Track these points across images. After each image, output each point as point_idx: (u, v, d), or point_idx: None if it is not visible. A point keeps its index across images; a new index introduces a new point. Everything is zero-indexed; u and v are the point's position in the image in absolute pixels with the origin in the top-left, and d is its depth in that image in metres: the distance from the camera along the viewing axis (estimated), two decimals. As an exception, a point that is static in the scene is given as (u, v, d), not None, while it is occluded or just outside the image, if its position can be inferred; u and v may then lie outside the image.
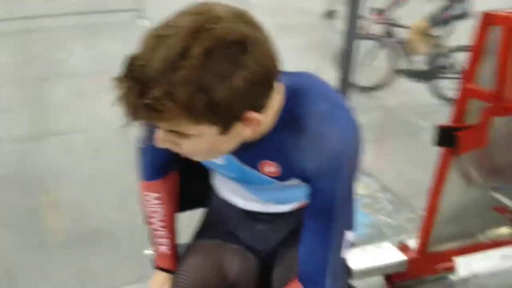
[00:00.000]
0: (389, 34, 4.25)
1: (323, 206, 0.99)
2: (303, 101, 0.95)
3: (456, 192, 1.82)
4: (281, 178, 1.04)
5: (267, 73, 0.82)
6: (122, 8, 5.72)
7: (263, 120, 0.89)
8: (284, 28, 5.61)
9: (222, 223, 1.32)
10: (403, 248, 1.96)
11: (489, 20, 1.43)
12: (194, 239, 1.36)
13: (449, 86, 3.94)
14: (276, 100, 0.93)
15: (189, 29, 0.76)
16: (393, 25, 4.25)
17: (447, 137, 1.46)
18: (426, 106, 4.04)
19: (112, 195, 2.49)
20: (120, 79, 0.79)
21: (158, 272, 1.32)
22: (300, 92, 0.96)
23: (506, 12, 1.39)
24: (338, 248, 1.02)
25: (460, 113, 1.54)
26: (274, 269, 1.27)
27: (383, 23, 4.22)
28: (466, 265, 2.04)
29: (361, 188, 2.68)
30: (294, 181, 1.04)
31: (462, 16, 3.89)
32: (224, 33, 0.77)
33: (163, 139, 0.90)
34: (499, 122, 1.65)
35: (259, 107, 0.85)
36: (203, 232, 1.35)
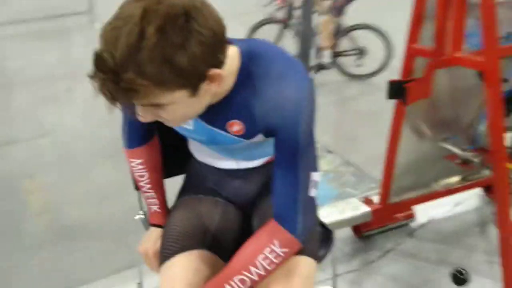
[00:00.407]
0: (289, 17, 4.54)
1: (288, 153, 1.11)
2: (260, 62, 1.08)
3: (410, 145, 2.03)
4: (246, 136, 1.16)
5: (215, 32, 0.94)
6: (74, 12, 5.73)
7: (224, 75, 1.01)
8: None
9: (202, 182, 1.44)
10: (368, 201, 2.16)
11: (425, -15, 1.63)
12: (177, 197, 1.49)
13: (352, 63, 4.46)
14: (234, 61, 1.06)
15: (138, 14, 0.88)
16: (294, 8, 4.52)
17: (397, 90, 1.65)
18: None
19: (83, 194, 2.57)
20: (94, 74, 0.92)
21: (153, 228, 1.44)
22: (256, 54, 1.09)
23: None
24: (306, 187, 1.14)
25: (407, 70, 1.74)
26: (253, 218, 1.41)
27: (285, 6, 4.53)
28: (423, 212, 2.28)
29: (325, 164, 2.84)
30: (259, 138, 1.16)
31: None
32: (169, 9, 0.89)
33: (144, 115, 1.02)
34: (441, 78, 1.86)
35: (218, 64, 0.98)
36: (185, 191, 1.47)
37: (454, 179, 2.24)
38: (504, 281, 1.64)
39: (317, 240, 1.33)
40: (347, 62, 4.53)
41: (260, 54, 1.10)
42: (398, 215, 2.21)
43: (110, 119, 3.45)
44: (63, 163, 2.78)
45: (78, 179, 2.64)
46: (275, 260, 1.14)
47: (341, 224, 2.06)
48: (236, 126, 1.15)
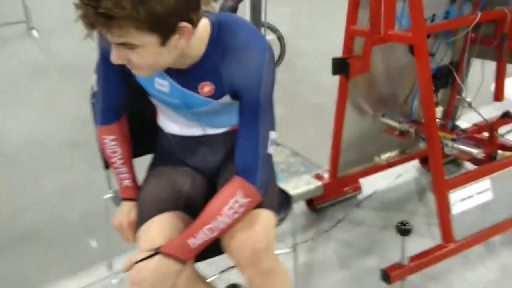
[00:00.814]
0: None
1: (250, 112, 1.26)
2: (228, 32, 1.23)
3: (353, 122, 2.22)
4: (215, 96, 1.30)
5: None
6: (11, 21, 5.62)
7: (195, 35, 1.15)
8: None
9: (170, 154, 1.55)
10: (319, 177, 2.33)
11: (359, -27, 1.83)
12: (148, 171, 1.59)
13: None
14: (205, 31, 1.21)
15: None
16: None
17: (341, 66, 1.84)
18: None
19: (35, 200, 2.56)
20: (78, 2, 1.04)
21: (124, 202, 1.53)
22: (225, 25, 1.24)
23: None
24: (266, 144, 1.29)
25: (347, 49, 1.93)
26: (217, 184, 1.54)
27: None
28: (369, 185, 2.48)
29: (276, 156, 2.99)
30: (226, 99, 1.31)
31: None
32: None
33: (116, 55, 1.14)
34: (378, 58, 2.07)
35: (189, 21, 1.11)
36: (155, 164, 1.58)
37: (394, 152, 2.46)
38: (442, 237, 1.85)
39: (275, 197, 1.47)
40: None
41: (228, 25, 1.25)
42: (346, 188, 2.40)
43: (53, 127, 3.47)
44: (11, 170, 2.76)
45: (28, 185, 2.64)
46: (239, 210, 1.27)
47: (295, 198, 2.22)
48: (207, 87, 1.29)
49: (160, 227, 1.36)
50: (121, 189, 1.55)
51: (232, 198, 1.28)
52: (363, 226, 2.29)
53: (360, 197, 2.47)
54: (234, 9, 4.13)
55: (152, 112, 1.57)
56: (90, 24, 1.06)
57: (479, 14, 1.98)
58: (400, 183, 2.57)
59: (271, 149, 1.32)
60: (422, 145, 2.51)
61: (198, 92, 1.31)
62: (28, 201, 2.53)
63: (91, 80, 3.69)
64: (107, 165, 1.69)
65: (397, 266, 1.72)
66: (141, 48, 1.10)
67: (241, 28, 1.25)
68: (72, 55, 4.30)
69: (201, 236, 1.27)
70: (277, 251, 1.40)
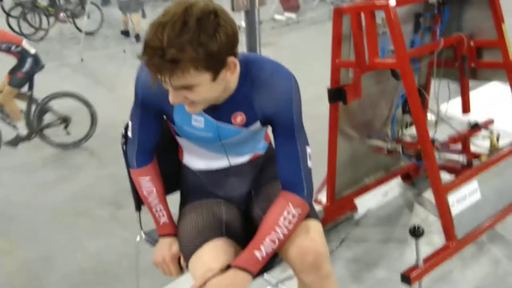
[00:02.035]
0: None
1: (287, 133, 1.41)
2: (255, 65, 1.40)
3: (343, 146, 2.41)
4: (247, 124, 1.45)
5: (234, 29, 1.25)
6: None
7: (235, 71, 1.29)
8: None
9: (200, 188, 1.66)
10: (317, 202, 2.48)
11: (339, 12, 2.07)
12: (180, 208, 1.68)
13: (58, 132, 4.00)
14: (237, 66, 1.35)
15: (182, 10, 1.18)
16: None
17: (336, 94, 2.05)
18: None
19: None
20: (145, 52, 1.19)
21: (163, 239, 1.60)
22: (250, 60, 1.41)
23: (351, 4, 2.04)
24: (305, 159, 1.44)
25: (334, 80, 2.15)
26: (253, 209, 1.65)
27: None
28: (361, 204, 2.65)
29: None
30: (257, 126, 1.46)
31: (36, 68, 3.87)
32: (204, 7, 1.19)
33: (174, 97, 1.28)
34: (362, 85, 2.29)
35: (234, 54, 1.27)
36: (187, 200, 1.67)
37: (380, 172, 2.67)
38: (445, 237, 2.04)
39: (314, 208, 1.60)
40: (57, 131, 4.09)
41: (254, 60, 1.43)
42: (344, 209, 2.57)
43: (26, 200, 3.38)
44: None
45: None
46: (292, 220, 1.40)
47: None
48: (239, 116, 1.44)
49: (212, 253, 1.45)
50: (159, 226, 1.62)
51: (285, 210, 1.40)
52: (365, 242, 2.45)
53: (357, 216, 2.64)
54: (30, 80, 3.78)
55: (175, 153, 1.69)
56: (157, 70, 1.19)
57: (442, 40, 2.27)
58: (389, 200, 2.77)
59: (310, 163, 1.46)
60: (403, 162, 2.74)
61: (231, 123, 1.44)
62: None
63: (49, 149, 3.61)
64: (139, 206, 1.77)
65: (414, 268, 1.87)
66: (197, 86, 1.24)
67: (265, 61, 1.43)
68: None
69: (265, 248, 1.37)
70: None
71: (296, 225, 1.42)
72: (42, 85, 5.34)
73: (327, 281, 1.44)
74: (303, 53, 6.02)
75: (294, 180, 1.43)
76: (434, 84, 2.61)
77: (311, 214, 1.49)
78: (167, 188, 1.73)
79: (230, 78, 1.31)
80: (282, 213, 1.40)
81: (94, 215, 2.92)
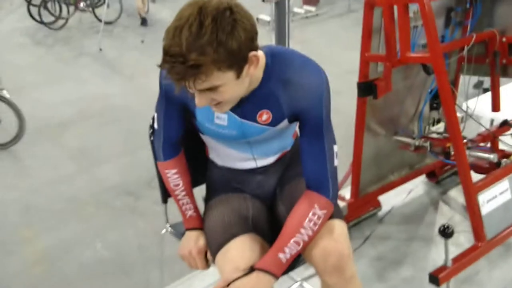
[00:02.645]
0: None
1: (315, 130, 1.36)
2: (281, 58, 1.34)
3: (369, 142, 2.37)
4: (273, 123, 1.39)
5: (252, 22, 1.20)
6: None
7: (258, 65, 1.23)
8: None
9: (226, 184, 1.62)
10: (341, 198, 2.44)
11: (371, 4, 2.01)
12: (206, 202, 1.66)
13: None
14: (260, 61, 1.30)
15: (196, 11, 1.12)
16: None
17: (366, 88, 2.00)
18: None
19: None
20: (165, 60, 1.14)
21: (189, 232, 1.58)
22: (277, 54, 1.35)
23: (383, -4, 1.99)
24: (332, 157, 1.39)
25: (363, 73, 2.10)
26: (277, 206, 1.62)
27: None
28: (385, 202, 2.61)
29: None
30: (284, 124, 1.40)
31: None
32: (218, 5, 1.14)
33: (200, 100, 1.23)
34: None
35: (255, 48, 1.22)
36: (213, 194, 1.63)
37: (404, 169, 2.62)
38: (475, 237, 1.99)
39: (339, 208, 1.56)
40: None
41: (280, 53, 1.36)
42: (368, 206, 2.52)
43: (37, 187, 3.42)
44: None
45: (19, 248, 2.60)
46: (318, 221, 1.36)
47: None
48: (265, 115, 1.38)
49: (239, 250, 1.42)
50: (186, 219, 1.60)
51: (310, 211, 1.36)
52: (390, 240, 2.41)
53: (380, 213, 2.60)
54: None
55: (201, 147, 1.66)
56: (181, 78, 1.15)
57: (475, 35, 2.20)
58: (413, 197, 2.72)
59: (336, 162, 1.41)
60: (428, 160, 2.68)
61: (256, 121, 1.39)
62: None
63: (69, 137, 3.67)
64: (165, 199, 1.75)
65: (443, 268, 1.83)
66: (222, 86, 1.20)
67: (293, 56, 1.36)
68: (47, 113, 4.31)
69: (289, 250, 1.34)
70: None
71: (321, 226, 1.38)
72: (63, 75, 5.39)
73: (350, 283, 1.41)
74: (322, 47, 5.95)
75: (320, 180, 1.39)
76: (464, 80, 2.54)
77: (335, 214, 1.45)
78: (193, 181, 1.71)
79: (254, 72, 1.26)
80: (308, 215, 1.36)
81: (113, 205, 2.91)
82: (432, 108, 2.51)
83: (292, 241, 1.35)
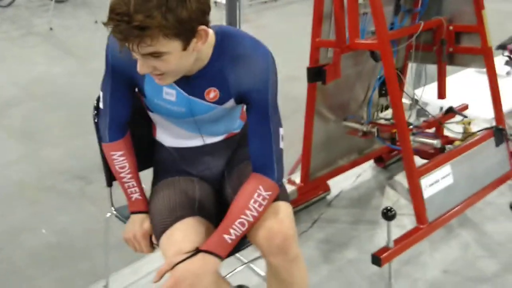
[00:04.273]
0: None
1: (261, 112, 1.37)
2: (232, 39, 1.35)
3: (319, 127, 2.40)
4: (220, 101, 1.40)
5: None
6: None
7: (208, 35, 1.23)
8: None
9: (173, 165, 1.61)
10: (291, 182, 2.47)
11: (322, -10, 2.03)
12: (153, 185, 1.64)
13: None
14: (210, 39, 1.30)
15: None
16: None
17: (316, 74, 2.02)
18: None
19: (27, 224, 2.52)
20: (111, 18, 1.12)
21: (134, 216, 1.56)
22: (228, 34, 1.36)
23: (334, -18, 2.00)
24: (277, 141, 1.40)
25: (313, 59, 2.12)
26: (225, 189, 1.62)
27: None
28: (334, 186, 2.66)
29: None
30: (231, 103, 1.40)
31: None
32: None
33: (142, 65, 1.22)
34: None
35: (206, 23, 1.22)
36: (160, 176, 1.62)
37: (353, 154, 2.67)
38: (417, 219, 2.05)
39: (286, 190, 1.58)
40: None
41: (231, 33, 1.37)
42: (317, 190, 2.56)
43: None
44: None
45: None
46: (263, 202, 1.38)
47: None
48: (212, 92, 1.38)
49: (184, 232, 1.42)
50: (131, 202, 1.58)
51: (255, 192, 1.38)
52: (337, 223, 2.46)
53: (329, 197, 2.65)
54: None
55: (147, 129, 1.63)
56: (124, 37, 1.14)
57: (422, 23, 2.26)
58: (361, 182, 2.78)
59: (282, 144, 1.43)
60: (376, 145, 2.75)
61: (204, 99, 1.40)
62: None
63: (16, 120, 3.55)
64: (110, 182, 1.72)
65: (385, 249, 1.89)
66: (166, 55, 1.19)
67: (243, 37, 1.37)
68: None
69: (234, 231, 1.35)
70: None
71: (266, 207, 1.40)
72: (9, 54, 5.18)
73: (294, 264, 1.43)
74: (280, 32, 5.96)
75: (266, 162, 1.40)
76: (411, 67, 2.60)
77: (281, 196, 1.47)
78: (140, 165, 1.68)
79: (201, 48, 1.25)
80: (253, 196, 1.37)
81: (61, 189, 2.84)
82: (380, 94, 2.56)
83: (237, 222, 1.36)
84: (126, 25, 1.11)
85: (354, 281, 2.10)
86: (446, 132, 2.55)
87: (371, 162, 2.89)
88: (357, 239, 2.34)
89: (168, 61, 1.21)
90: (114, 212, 1.74)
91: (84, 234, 2.44)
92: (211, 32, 1.31)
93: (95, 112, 1.61)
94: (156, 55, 1.18)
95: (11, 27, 6.08)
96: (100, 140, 1.60)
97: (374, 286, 2.07)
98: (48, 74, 4.60)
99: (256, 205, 1.37)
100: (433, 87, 2.57)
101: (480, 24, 2.26)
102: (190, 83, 1.35)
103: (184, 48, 1.20)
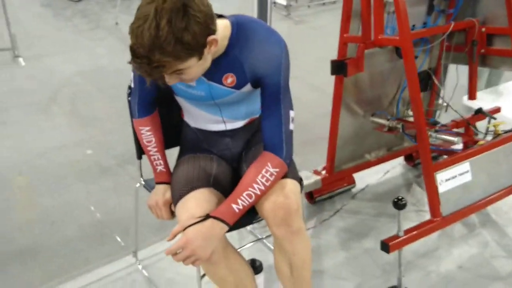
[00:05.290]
0: None
1: (273, 95, 1.50)
2: (247, 27, 1.49)
3: (347, 122, 2.50)
4: (237, 86, 1.54)
5: (206, 12, 1.33)
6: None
7: (219, 39, 1.40)
8: None
9: (196, 144, 1.78)
10: (317, 172, 2.58)
11: (351, -12, 2.13)
12: (177, 159, 1.81)
13: None
14: (226, 30, 1.46)
15: (152, 13, 1.26)
16: None
17: (339, 67, 2.13)
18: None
19: (30, 220, 2.61)
20: (133, 60, 1.31)
21: (158, 185, 1.74)
22: (243, 23, 1.50)
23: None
24: (287, 122, 1.53)
25: (341, 53, 2.22)
26: (241, 168, 1.76)
27: None
28: (361, 179, 2.74)
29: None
30: (248, 88, 1.55)
31: None
32: (172, 5, 1.27)
33: (170, 80, 1.40)
34: (366, 63, 2.36)
35: (212, 32, 1.36)
36: (183, 152, 1.80)
37: (382, 150, 2.74)
38: (431, 212, 2.11)
39: (296, 169, 1.71)
40: None
41: (247, 23, 1.51)
42: (342, 182, 2.66)
43: (45, 150, 3.54)
44: (3, 193, 2.83)
45: (23, 207, 2.74)
46: (270, 178, 1.51)
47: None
48: (230, 78, 1.53)
49: (197, 201, 1.57)
50: (156, 174, 1.76)
51: (263, 168, 1.51)
52: (359, 215, 2.54)
53: (354, 190, 2.73)
54: None
55: (177, 111, 1.81)
56: (148, 74, 1.33)
57: (453, 23, 2.30)
58: (388, 178, 2.84)
59: (291, 126, 1.56)
60: (406, 143, 2.80)
61: (222, 84, 1.55)
62: (23, 221, 2.61)
63: (79, 106, 3.80)
64: (140, 155, 1.91)
65: (395, 237, 1.96)
66: (187, 69, 1.36)
67: (258, 25, 1.52)
68: (60, 83, 4.50)
69: (242, 202, 1.48)
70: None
71: (274, 183, 1.53)
72: (78, 46, 5.56)
73: (297, 236, 1.55)
74: (332, 33, 6.01)
75: (275, 142, 1.53)
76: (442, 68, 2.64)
77: (290, 174, 1.59)
78: (169, 143, 1.87)
79: (215, 49, 1.40)
80: (261, 172, 1.50)
81: (113, 173, 3.04)
82: (411, 92, 2.61)
83: (245, 194, 1.49)
84: (147, 66, 1.30)
85: (367, 269, 2.19)
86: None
87: (401, 160, 2.94)
88: (376, 230, 2.42)
89: (190, 72, 1.38)
90: (143, 183, 1.93)
91: (129, 214, 2.55)
92: (226, 23, 1.47)
93: (129, 91, 1.81)
94: (178, 72, 1.36)
95: (81, 21, 6.50)
96: (131, 115, 1.79)
97: (386, 274, 2.15)
98: (110, 66, 4.92)
99: (263, 180, 1.51)
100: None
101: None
102: (209, 69, 1.49)
103: (200, 58, 1.36)
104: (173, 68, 1.32)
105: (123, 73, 4.69)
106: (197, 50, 1.33)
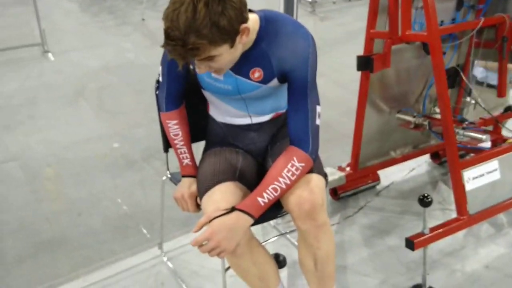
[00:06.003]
0: None
1: (300, 90, 1.50)
2: (275, 22, 1.50)
3: (372, 118, 2.48)
4: (264, 81, 1.55)
5: None
6: (24, 44, 5.86)
7: (250, 29, 1.40)
8: None
9: (222, 138, 1.80)
10: (341, 169, 2.57)
11: (378, -17, 2.11)
12: (203, 153, 1.83)
13: None
14: (254, 24, 1.47)
15: None
16: None
17: (364, 63, 2.11)
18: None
19: (58, 211, 2.66)
20: (167, 43, 1.31)
21: (184, 178, 1.77)
22: (271, 18, 1.51)
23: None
24: (314, 117, 1.53)
25: (368, 49, 2.20)
26: (267, 162, 1.77)
27: None
28: (386, 176, 2.72)
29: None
30: (274, 82, 1.55)
31: None
32: None
33: (200, 67, 1.42)
34: (392, 60, 2.34)
35: (245, 20, 1.38)
36: (209, 146, 1.82)
37: (408, 147, 2.71)
38: (457, 210, 2.09)
39: (322, 165, 1.71)
40: None
41: (275, 17, 1.52)
42: (366, 178, 2.64)
43: (73, 143, 3.59)
44: (32, 184, 2.90)
45: (51, 198, 2.79)
46: (296, 172, 1.51)
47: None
48: (257, 72, 1.54)
49: (222, 193, 1.59)
50: (182, 167, 1.78)
51: (289, 162, 1.51)
52: (383, 212, 2.53)
53: (378, 187, 2.71)
54: None
55: (203, 105, 1.83)
56: (182, 58, 1.34)
57: (483, 19, 2.26)
58: (414, 176, 2.82)
59: (318, 121, 1.56)
60: (433, 141, 2.77)
61: (249, 78, 1.55)
62: (51, 212, 2.65)
63: (106, 101, 3.84)
64: (166, 148, 1.94)
65: (420, 234, 1.95)
66: (219, 56, 1.37)
67: (286, 20, 1.52)
68: (87, 77, 4.56)
69: (267, 195, 1.49)
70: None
71: (299, 177, 1.53)
72: (105, 42, 5.64)
73: (321, 230, 1.55)
74: (357, 30, 5.97)
75: (301, 136, 1.53)
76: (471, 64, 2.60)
77: (315, 169, 1.60)
78: (195, 137, 1.89)
79: (246, 39, 1.41)
80: (286, 166, 1.51)
81: (140, 167, 3.07)
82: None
83: (270, 187, 1.50)
84: (181, 48, 1.31)
85: (391, 266, 2.17)
86: (506, 133, 2.52)
87: (427, 158, 2.91)
88: (400, 228, 2.40)
89: (221, 60, 1.39)
90: (169, 176, 1.96)
91: (155, 207, 2.61)
92: (255, 17, 1.48)
93: (157, 85, 1.83)
94: (210, 58, 1.37)
95: (108, 17, 6.60)
96: (159, 109, 1.81)
97: (410, 271, 2.13)
98: (136, 61, 4.99)
99: (289, 174, 1.51)
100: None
101: (543, 23, 2.24)
102: (237, 64, 1.51)
103: (232, 46, 1.37)
104: (206, 53, 1.33)
105: (149, 68, 4.78)
106: (231, 36, 1.34)
